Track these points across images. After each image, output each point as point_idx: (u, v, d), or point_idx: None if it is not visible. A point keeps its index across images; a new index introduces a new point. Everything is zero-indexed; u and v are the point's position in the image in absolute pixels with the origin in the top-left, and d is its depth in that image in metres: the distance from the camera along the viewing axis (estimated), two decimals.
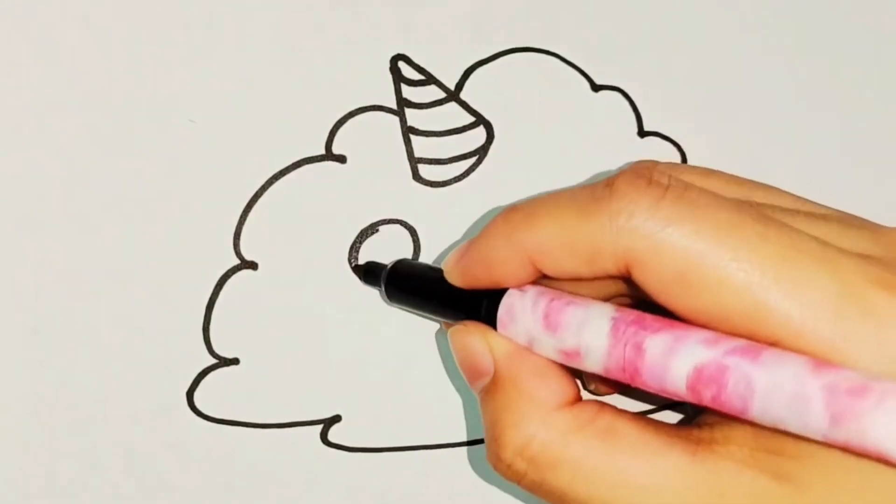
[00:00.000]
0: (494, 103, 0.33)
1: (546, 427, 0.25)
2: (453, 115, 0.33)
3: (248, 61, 0.31)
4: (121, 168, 0.31)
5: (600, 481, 0.24)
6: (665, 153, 0.34)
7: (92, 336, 0.30)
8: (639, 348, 0.23)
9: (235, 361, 0.31)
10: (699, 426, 0.25)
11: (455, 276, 0.28)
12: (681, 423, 0.26)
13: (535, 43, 0.33)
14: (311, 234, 0.32)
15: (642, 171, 0.24)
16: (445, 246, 0.32)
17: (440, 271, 0.29)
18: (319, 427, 0.32)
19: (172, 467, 0.31)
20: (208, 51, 0.31)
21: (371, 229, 0.32)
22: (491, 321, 0.27)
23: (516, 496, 0.32)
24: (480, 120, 0.33)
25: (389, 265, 0.31)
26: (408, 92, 0.32)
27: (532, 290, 0.26)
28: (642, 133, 0.34)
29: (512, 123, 0.33)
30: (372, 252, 0.32)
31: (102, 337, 0.30)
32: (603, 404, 0.26)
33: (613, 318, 0.24)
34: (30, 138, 0.30)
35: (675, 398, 0.23)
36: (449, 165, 0.33)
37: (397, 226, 0.32)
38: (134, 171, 0.31)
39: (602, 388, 0.31)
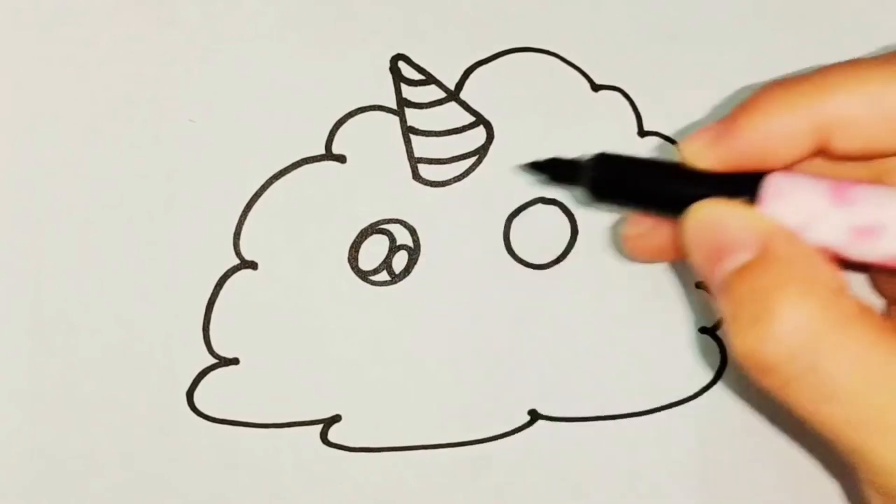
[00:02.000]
0: (494, 103, 0.33)
1: (830, 308, 0.22)
2: (453, 115, 0.33)
3: (248, 61, 0.31)
4: (121, 168, 0.31)
5: (881, 380, 0.22)
6: (665, 153, 0.34)
7: (92, 336, 0.30)
8: None
9: (235, 361, 0.31)
10: None
11: (707, 155, 0.25)
12: None
13: (535, 43, 0.33)
14: (311, 233, 0.32)
15: None
16: (445, 246, 0.32)
17: (664, 162, 0.25)
18: (319, 427, 0.32)
19: (172, 467, 0.31)
20: (208, 51, 0.31)
21: (371, 229, 0.32)
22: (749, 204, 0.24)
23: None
24: (480, 120, 0.33)
25: (593, 155, 0.27)
26: (408, 92, 0.32)
27: (800, 174, 0.23)
28: (642, 133, 0.34)
29: (512, 123, 0.33)
30: (372, 252, 0.32)
31: (102, 337, 0.30)
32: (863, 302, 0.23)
33: None
34: (30, 138, 0.30)
35: None
36: (449, 165, 0.33)
37: (397, 225, 0.32)
38: (134, 171, 0.31)
39: None
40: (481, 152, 0.33)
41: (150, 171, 0.31)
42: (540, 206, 0.33)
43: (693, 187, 0.25)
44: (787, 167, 0.24)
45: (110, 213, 0.30)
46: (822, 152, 0.24)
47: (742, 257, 0.24)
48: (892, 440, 0.23)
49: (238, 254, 0.31)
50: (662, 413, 0.33)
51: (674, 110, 0.34)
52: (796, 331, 0.22)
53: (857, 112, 0.23)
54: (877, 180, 0.25)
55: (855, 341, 0.22)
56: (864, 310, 0.23)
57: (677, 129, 0.34)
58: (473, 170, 0.33)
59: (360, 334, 0.32)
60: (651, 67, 0.34)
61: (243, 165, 0.31)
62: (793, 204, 0.23)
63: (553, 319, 0.33)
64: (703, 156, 0.25)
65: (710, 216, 0.24)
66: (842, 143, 0.23)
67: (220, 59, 0.31)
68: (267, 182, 0.31)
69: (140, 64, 0.31)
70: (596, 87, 0.34)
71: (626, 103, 0.34)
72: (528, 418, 0.33)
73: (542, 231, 0.33)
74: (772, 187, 0.24)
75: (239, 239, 0.31)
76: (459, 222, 0.33)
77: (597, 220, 0.33)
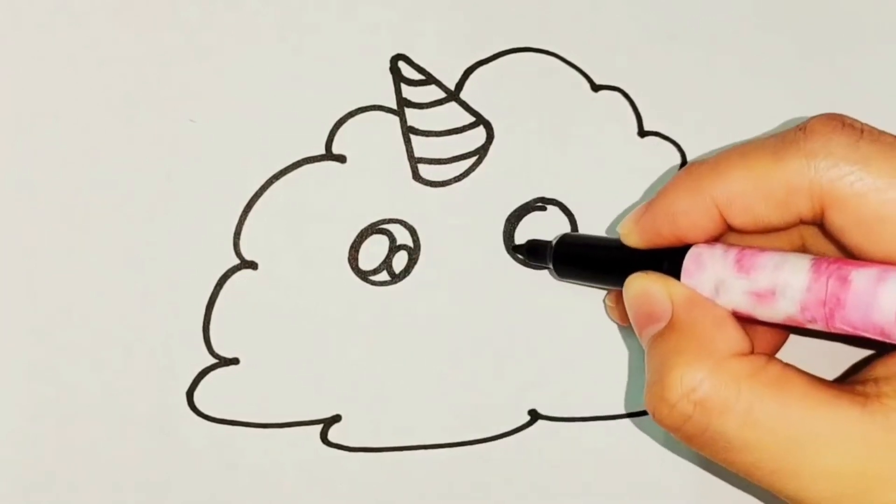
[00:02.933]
0: (494, 103, 0.33)
1: (719, 371, 0.25)
2: (453, 115, 0.33)
3: (248, 61, 0.31)
4: (121, 168, 0.31)
5: (771, 429, 0.24)
6: (665, 153, 0.34)
7: (92, 336, 0.30)
8: (844, 280, 0.23)
9: (235, 361, 0.31)
10: (862, 383, 0.25)
11: (635, 236, 0.28)
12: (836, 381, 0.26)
13: (535, 43, 0.33)
14: (311, 233, 0.32)
15: (833, 116, 0.25)
16: (445, 246, 0.32)
17: (610, 240, 0.29)
18: (319, 427, 0.32)
19: (172, 467, 0.31)
20: (208, 51, 0.31)
21: (371, 229, 0.32)
22: (673, 275, 0.27)
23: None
24: (480, 120, 0.33)
25: (555, 240, 0.31)
26: (408, 92, 0.32)
27: (719, 244, 0.27)
28: (642, 133, 0.34)
29: (512, 123, 0.33)
30: (372, 252, 0.32)
31: (102, 337, 0.30)
32: (770, 357, 0.26)
33: (813, 259, 0.24)
34: (30, 138, 0.30)
35: (876, 336, 0.23)
36: (449, 165, 0.33)
37: (397, 225, 0.32)
38: (134, 171, 0.31)
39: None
40: (481, 152, 0.33)
41: (150, 171, 0.31)
42: (540, 206, 0.33)
43: (633, 263, 0.28)
44: (715, 239, 0.27)
45: (110, 213, 0.30)
46: (732, 228, 0.27)
47: (658, 327, 0.27)
48: (800, 482, 0.24)
49: (238, 254, 0.31)
50: None
51: (674, 110, 0.34)
52: (686, 394, 0.25)
53: (742, 191, 0.25)
54: (799, 248, 0.28)
55: (743, 399, 0.25)
56: (759, 369, 0.25)
57: (677, 129, 0.34)
58: (473, 170, 0.33)
59: (360, 334, 0.32)
60: (651, 67, 0.34)
61: (243, 165, 0.31)
62: (705, 273, 0.26)
63: (553, 319, 0.33)
64: (631, 236, 0.28)
65: (638, 288, 0.28)
66: (737, 220, 0.26)
67: (220, 59, 0.31)
68: (267, 182, 0.31)
69: (140, 64, 0.31)
70: (596, 87, 0.34)
71: (626, 103, 0.34)
72: (528, 418, 0.33)
73: (541, 231, 0.33)
74: (690, 259, 0.27)
75: (239, 239, 0.31)
76: (459, 222, 0.33)
77: (597, 221, 0.33)
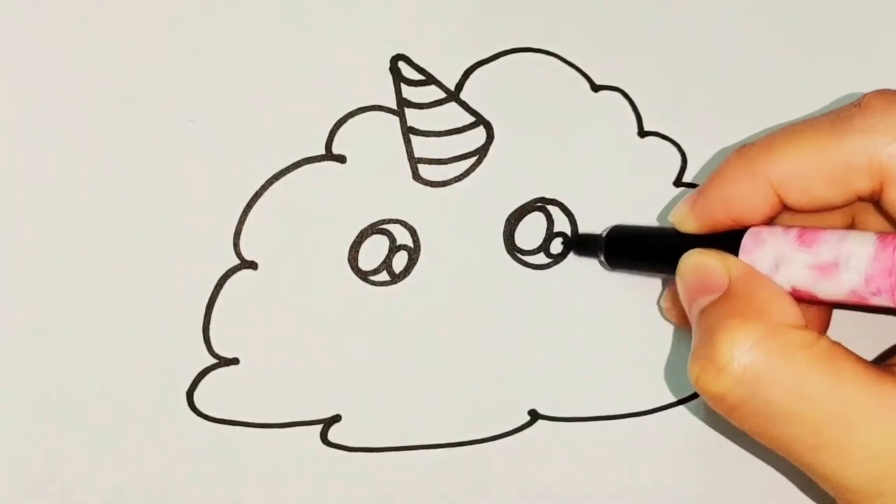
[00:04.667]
0: (494, 103, 0.33)
1: (772, 338, 0.25)
2: (453, 115, 0.33)
3: (248, 61, 0.31)
4: (121, 168, 0.31)
5: (820, 402, 0.24)
6: (665, 153, 0.34)
7: (92, 336, 0.30)
8: None
9: (235, 361, 0.31)
10: None
11: (689, 222, 0.28)
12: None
13: (535, 43, 0.33)
14: (311, 234, 0.32)
15: (889, 91, 0.24)
16: (446, 246, 0.32)
17: (663, 229, 0.29)
18: (319, 427, 0.32)
19: (172, 467, 0.31)
20: (208, 51, 0.31)
21: (371, 229, 0.32)
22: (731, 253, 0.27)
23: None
24: (480, 120, 0.33)
25: (605, 231, 0.31)
26: (408, 92, 0.32)
27: (777, 225, 0.26)
28: (642, 133, 0.34)
29: (512, 123, 0.33)
30: (372, 252, 0.32)
31: (102, 337, 0.30)
32: (821, 334, 0.25)
33: (877, 233, 0.24)
34: (29, 138, 0.30)
35: None
36: (449, 165, 0.33)
37: (397, 225, 0.32)
38: (134, 171, 0.31)
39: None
40: (481, 152, 0.33)
41: (151, 171, 0.31)
42: (540, 206, 0.33)
43: (688, 248, 0.28)
44: (770, 221, 0.27)
45: (110, 213, 0.30)
46: (787, 208, 0.27)
47: (712, 297, 0.26)
48: (841, 460, 0.24)
49: (238, 254, 0.31)
50: (662, 413, 0.33)
51: (674, 110, 0.34)
52: (736, 360, 0.25)
53: (800, 170, 0.25)
54: (851, 226, 0.28)
55: (794, 369, 0.24)
56: (812, 342, 0.25)
57: (677, 129, 0.34)
58: (473, 170, 0.33)
59: (360, 334, 0.32)
60: (651, 67, 0.34)
61: (243, 165, 0.31)
62: (765, 250, 0.26)
63: (553, 319, 0.33)
64: (686, 222, 0.28)
65: (694, 262, 0.27)
66: (793, 199, 0.26)
67: (220, 59, 0.31)
68: (267, 182, 0.31)
69: (140, 64, 0.31)
70: (596, 87, 0.34)
71: (626, 103, 0.34)
72: (528, 418, 0.33)
73: (541, 231, 0.33)
74: (749, 238, 0.27)
75: (239, 239, 0.31)
76: (459, 222, 0.33)
77: (597, 221, 0.33)
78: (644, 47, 0.34)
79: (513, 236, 0.33)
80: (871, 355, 0.31)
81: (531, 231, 0.33)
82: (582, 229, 0.33)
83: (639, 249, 0.31)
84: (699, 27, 0.34)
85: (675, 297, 0.30)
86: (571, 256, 0.33)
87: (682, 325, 0.32)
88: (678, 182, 0.34)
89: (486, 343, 0.32)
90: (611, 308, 0.33)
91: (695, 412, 0.33)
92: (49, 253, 0.30)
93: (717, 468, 0.33)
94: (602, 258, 0.32)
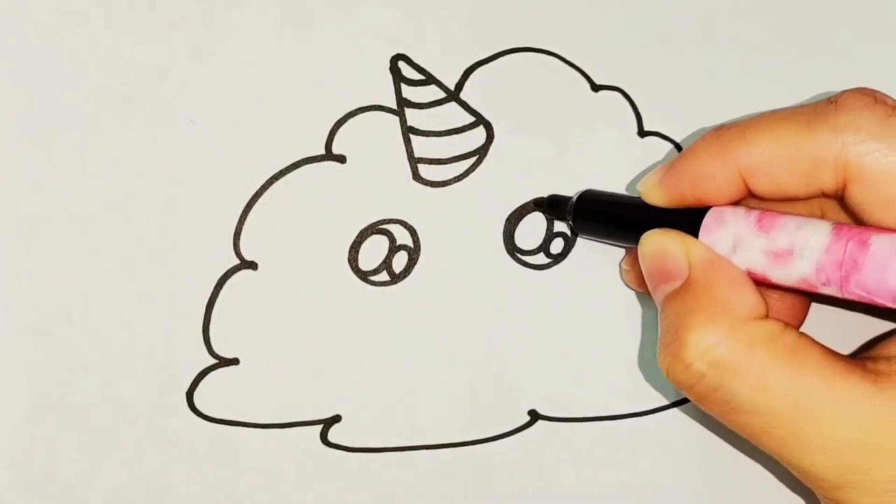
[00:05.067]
0: (494, 103, 0.33)
1: (735, 333, 0.25)
2: (453, 115, 0.33)
3: (248, 61, 0.31)
4: (121, 168, 0.31)
5: (783, 395, 0.25)
6: (665, 153, 0.34)
7: (92, 336, 0.30)
8: (864, 244, 0.23)
9: (235, 361, 0.31)
10: (874, 360, 0.25)
11: (657, 194, 0.28)
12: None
13: (535, 43, 0.33)
14: (311, 234, 0.32)
15: (866, 91, 0.25)
16: (445, 246, 0.32)
17: (631, 198, 0.29)
18: (319, 427, 0.32)
19: (172, 467, 0.31)
20: (208, 51, 0.31)
21: (371, 229, 0.32)
22: (691, 234, 0.27)
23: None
24: (480, 120, 0.33)
25: (576, 195, 0.31)
26: (408, 92, 0.32)
27: (741, 206, 0.27)
28: (642, 133, 0.34)
29: (512, 123, 0.33)
30: (372, 252, 0.32)
31: (102, 337, 0.30)
32: (787, 324, 0.26)
33: (834, 223, 0.24)
34: (30, 138, 0.30)
35: (889, 303, 0.23)
36: (449, 165, 0.33)
37: (397, 225, 0.32)
38: (134, 171, 0.31)
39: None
40: (481, 152, 0.33)
41: (151, 171, 0.31)
42: (540, 206, 0.33)
43: (653, 221, 0.28)
44: (735, 203, 0.27)
45: (110, 213, 0.30)
46: (752, 195, 0.27)
47: (673, 285, 0.27)
48: (808, 451, 0.25)
49: (238, 254, 0.31)
50: (662, 413, 0.33)
51: (674, 110, 0.34)
52: (702, 354, 0.25)
53: (768, 159, 0.26)
54: (817, 216, 0.28)
55: (757, 363, 0.25)
56: (776, 335, 0.25)
57: (677, 129, 0.34)
58: (473, 170, 0.33)
59: (360, 334, 0.32)
60: (651, 67, 0.34)
61: (243, 165, 0.31)
62: (725, 230, 0.26)
63: (553, 319, 0.33)
64: (652, 194, 0.28)
65: (654, 245, 0.28)
66: (759, 187, 0.26)
67: (220, 59, 0.31)
68: (267, 182, 0.31)
69: (140, 64, 0.31)
70: (596, 87, 0.34)
71: (626, 103, 0.34)
72: (528, 418, 0.33)
73: (541, 231, 0.33)
74: (711, 217, 0.27)
75: (239, 239, 0.31)
76: (459, 222, 0.33)
77: None
78: (644, 47, 0.34)
79: (513, 236, 0.33)
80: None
81: (531, 231, 0.33)
82: None
83: (606, 216, 0.31)
84: (699, 27, 0.34)
85: (634, 260, 0.30)
86: (571, 256, 0.33)
87: (642, 289, 0.32)
88: None
89: (486, 343, 0.32)
90: (611, 308, 0.33)
91: (694, 412, 0.33)
92: (49, 253, 0.30)
93: (716, 468, 0.33)
94: (570, 221, 0.32)
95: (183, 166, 0.31)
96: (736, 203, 0.27)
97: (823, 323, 0.31)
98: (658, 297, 0.28)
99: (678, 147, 0.34)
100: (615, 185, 0.33)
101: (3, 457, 0.30)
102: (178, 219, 0.31)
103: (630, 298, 0.33)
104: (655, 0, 0.34)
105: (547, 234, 0.33)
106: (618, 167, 0.33)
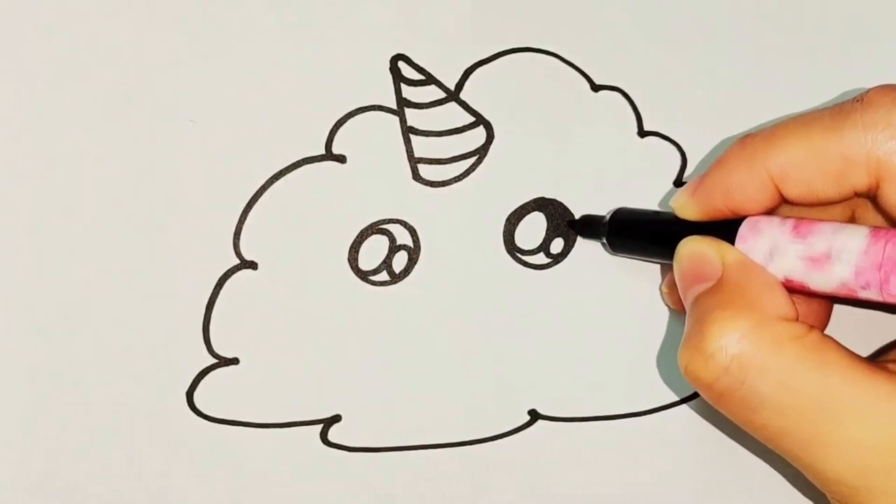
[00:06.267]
0: (494, 103, 0.33)
1: (761, 329, 0.25)
2: (453, 115, 0.33)
3: (248, 61, 0.31)
4: (121, 168, 0.31)
5: (807, 394, 0.24)
6: (665, 153, 0.34)
7: (92, 336, 0.30)
8: None
9: (235, 361, 0.31)
10: (894, 362, 0.25)
11: (690, 208, 0.28)
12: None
13: (535, 43, 0.33)
14: (311, 234, 0.32)
15: (892, 87, 0.24)
16: (446, 246, 0.32)
17: (664, 213, 0.29)
18: (319, 427, 0.32)
19: (172, 467, 0.31)
20: (208, 50, 0.31)
21: (371, 229, 0.32)
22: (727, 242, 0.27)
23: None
24: (480, 120, 0.33)
25: (609, 214, 0.32)
26: (408, 92, 0.32)
27: (776, 215, 0.27)
28: (642, 133, 0.34)
29: (512, 123, 0.33)
30: (372, 252, 0.32)
31: (102, 337, 0.30)
32: (812, 326, 0.26)
33: (871, 227, 0.24)
34: (30, 138, 0.30)
35: None
36: (449, 165, 0.33)
37: (397, 225, 0.32)
38: (134, 171, 0.31)
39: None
40: (481, 152, 0.33)
41: (151, 171, 0.31)
42: (540, 206, 0.33)
43: (686, 235, 0.28)
44: (769, 212, 0.27)
45: (110, 213, 0.30)
46: (786, 201, 0.27)
47: (706, 285, 0.26)
48: (829, 452, 0.24)
49: (238, 254, 0.31)
50: (662, 413, 0.33)
51: (674, 110, 0.34)
52: (725, 350, 0.25)
53: (798, 163, 0.25)
54: (851, 220, 0.28)
55: (782, 360, 0.24)
56: (802, 334, 0.25)
57: (677, 129, 0.34)
58: (473, 170, 0.33)
59: (360, 334, 0.32)
60: (651, 67, 0.34)
61: (243, 165, 0.31)
62: (761, 239, 0.26)
63: (553, 319, 0.33)
64: (686, 208, 0.28)
65: (691, 249, 0.27)
66: (791, 192, 0.26)
67: (220, 59, 0.31)
68: (267, 182, 0.31)
69: (140, 64, 0.31)
70: (596, 87, 0.34)
71: (626, 103, 0.34)
72: (528, 418, 0.33)
73: (541, 231, 0.33)
74: (745, 227, 0.27)
75: (239, 239, 0.31)
76: (459, 222, 0.33)
77: None
78: (644, 47, 0.34)
79: (513, 236, 0.33)
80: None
81: (531, 231, 0.33)
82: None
83: (640, 234, 0.31)
84: (699, 27, 0.34)
85: (674, 282, 0.30)
86: (571, 256, 0.33)
87: (681, 310, 0.32)
88: (678, 182, 0.34)
89: (486, 343, 0.32)
90: (611, 308, 0.33)
91: (695, 412, 0.33)
92: (49, 253, 0.30)
93: (717, 468, 0.33)
94: (604, 241, 0.32)
95: (183, 166, 0.31)
96: (770, 212, 0.27)
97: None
98: (689, 298, 0.27)
99: (678, 147, 0.34)
100: (615, 185, 0.33)
101: (3, 457, 0.30)
102: (178, 219, 0.31)
103: (630, 298, 0.33)
104: (655, 0, 0.34)
105: (547, 234, 0.33)
106: (618, 167, 0.33)
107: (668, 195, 0.34)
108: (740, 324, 0.25)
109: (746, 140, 0.27)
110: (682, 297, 0.28)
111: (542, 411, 0.33)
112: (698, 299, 0.27)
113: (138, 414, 0.30)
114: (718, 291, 0.26)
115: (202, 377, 0.31)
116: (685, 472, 0.33)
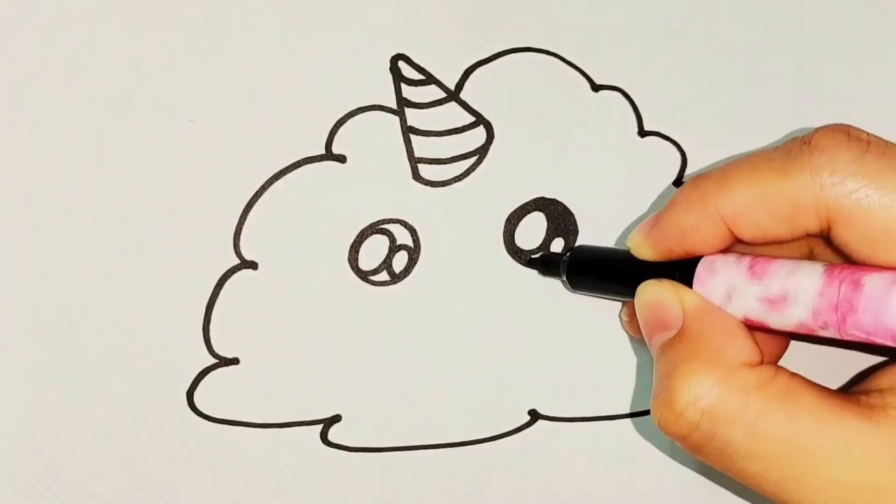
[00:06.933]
0: (494, 103, 0.33)
1: (727, 381, 0.25)
2: (453, 114, 0.33)
3: (248, 61, 0.31)
4: (121, 168, 0.31)
5: (778, 439, 0.24)
6: (665, 153, 0.34)
7: (92, 336, 0.30)
8: (857, 284, 0.23)
9: (235, 361, 0.31)
10: (866, 393, 0.25)
11: (645, 250, 0.28)
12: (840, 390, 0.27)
13: (535, 43, 0.33)
14: (311, 233, 0.32)
15: (839, 128, 0.25)
16: (446, 246, 0.32)
17: (622, 252, 0.29)
18: (319, 427, 0.32)
19: (172, 467, 0.31)
20: (208, 51, 0.31)
21: (371, 229, 0.32)
22: (685, 284, 0.27)
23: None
24: (480, 120, 0.33)
25: (567, 254, 0.32)
26: (408, 92, 0.32)
27: (731, 253, 0.27)
28: (642, 133, 0.34)
29: (512, 123, 0.33)
30: (372, 252, 0.32)
31: (102, 337, 0.30)
32: (779, 367, 0.26)
33: (826, 265, 0.24)
34: (30, 138, 0.30)
35: (888, 342, 0.23)
36: (449, 165, 0.33)
37: (397, 225, 0.32)
38: (134, 171, 0.31)
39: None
40: (481, 152, 0.33)
41: (151, 171, 0.31)
42: (540, 206, 0.33)
43: (646, 274, 0.28)
44: (724, 251, 0.27)
45: (110, 213, 0.30)
46: (739, 241, 0.27)
47: (668, 335, 0.27)
48: (806, 493, 0.25)
49: (238, 254, 0.31)
50: None
51: (674, 110, 0.34)
52: (693, 402, 0.25)
53: (748, 207, 0.25)
54: (808, 256, 0.28)
55: (751, 410, 0.25)
56: (768, 380, 0.25)
57: (677, 129, 0.34)
58: (473, 170, 0.33)
59: (360, 334, 0.32)
60: (651, 67, 0.34)
61: (243, 165, 0.31)
62: (717, 279, 0.26)
63: (553, 320, 0.33)
64: (642, 249, 0.28)
65: (649, 296, 0.28)
66: (744, 233, 0.26)
67: (220, 59, 0.31)
68: (267, 182, 0.31)
69: (140, 64, 0.31)
70: (596, 87, 0.34)
71: (626, 103, 0.34)
72: (528, 418, 0.33)
73: (541, 231, 0.33)
74: (703, 266, 0.27)
75: (239, 239, 0.31)
76: (459, 222, 0.33)
77: (597, 221, 0.33)
78: (644, 47, 0.34)
79: (513, 236, 0.33)
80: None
81: (531, 231, 0.33)
82: (582, 229, 0.33)
83: (599, 272, 0.31)
84: (699, 27, 0.34)
85: (633, 311, 0.30)
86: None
87: (641, 339, 0.32)
88: (678, 182, 0.34)
89: (487, 343, 0.32)
90: (611, 308, 0.33)
91: None
92: (49, 253, 0.30)
93: (716, 473, 0.33)
94: (564, 279, 0.32)
95: (183, 166, 0.31)
96: (726, 250, 0.27)
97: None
98: (654, 347, 0.28)
99: (678, 147, 0.34)
100: (615, 184, 0.33)
101: (3, 457, 0.30)
102: (178, 218, 0.31)
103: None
104: (655, 0, 0.34)
105: (547, 234, 0.33)
106: (618, 167, 0.33)
107: (668, 195, 0.34)
108: (705, 378, 0.25)
109: (698, 181, 0.27)
110: (647, 343, 0.28)
111: (542, 411, 0.33)
112: (663, 349, 0.27)
113: (138, 414, 0.30)
114: (681, 342, 0.26)
115: (202, 377, 0.31)
116: (685, 472, 0.33)
